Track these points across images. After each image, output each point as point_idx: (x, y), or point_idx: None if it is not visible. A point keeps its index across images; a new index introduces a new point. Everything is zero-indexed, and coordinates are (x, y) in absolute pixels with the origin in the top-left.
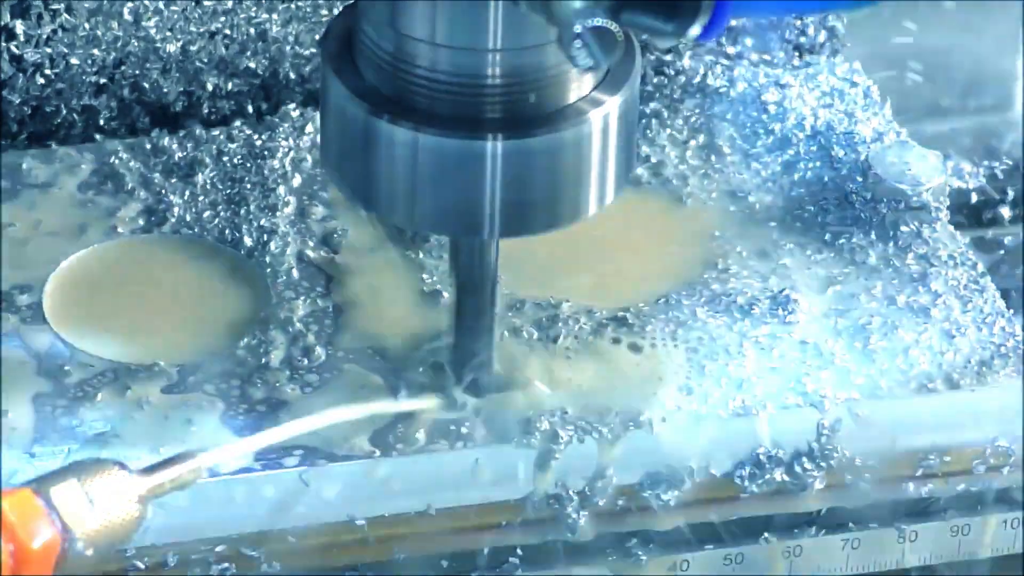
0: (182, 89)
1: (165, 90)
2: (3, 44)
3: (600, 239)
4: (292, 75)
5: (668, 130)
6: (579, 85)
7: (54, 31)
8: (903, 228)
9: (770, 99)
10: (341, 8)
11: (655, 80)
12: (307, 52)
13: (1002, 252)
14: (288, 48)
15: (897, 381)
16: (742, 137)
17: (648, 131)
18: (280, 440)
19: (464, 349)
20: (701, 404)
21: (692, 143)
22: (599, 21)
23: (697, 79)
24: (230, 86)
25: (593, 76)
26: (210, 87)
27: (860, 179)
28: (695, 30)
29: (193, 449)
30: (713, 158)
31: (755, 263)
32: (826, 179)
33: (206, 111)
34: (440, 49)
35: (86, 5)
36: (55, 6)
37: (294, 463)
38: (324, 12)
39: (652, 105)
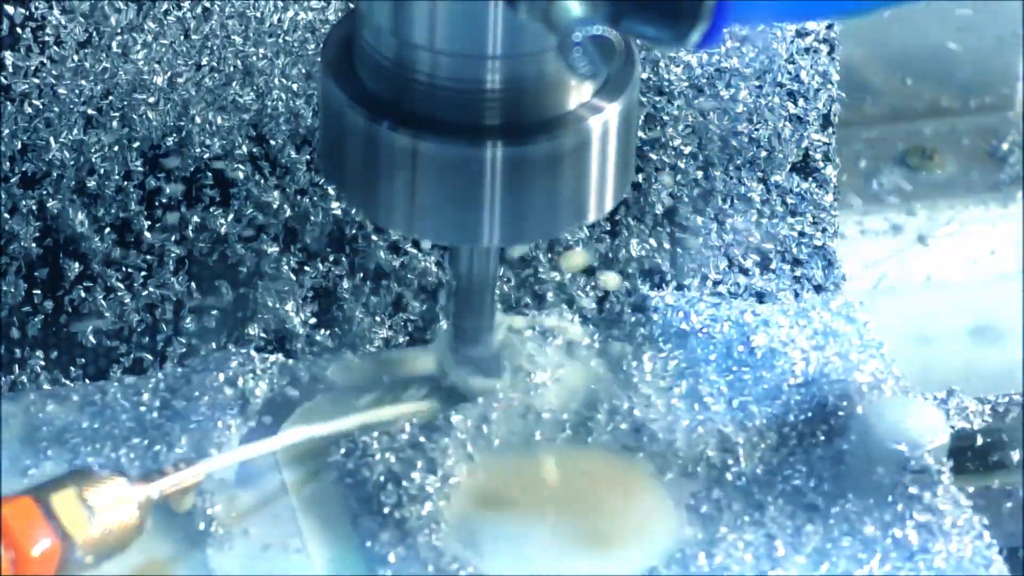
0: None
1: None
2: None
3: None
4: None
5: (648, 376)
6: (579, 92)
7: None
8: (902, 493)
9: (758, 342)
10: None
11: (632, 319)
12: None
13: (1009, 505)
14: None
15: None
16: (728, 385)
17: (633, 376)
18: (275, 449)
19: (463, 353)
20: None
21: (676, 390)
22: (598, 29)
23: (679, 316)
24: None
25: (592, 83)
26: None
27: (854, 437)
28: (695, 37)
29: (190, 457)
30: (696, 407)
31: (744, 532)
32: (819, 435)
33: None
34: (440, 56)
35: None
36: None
37: None
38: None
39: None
